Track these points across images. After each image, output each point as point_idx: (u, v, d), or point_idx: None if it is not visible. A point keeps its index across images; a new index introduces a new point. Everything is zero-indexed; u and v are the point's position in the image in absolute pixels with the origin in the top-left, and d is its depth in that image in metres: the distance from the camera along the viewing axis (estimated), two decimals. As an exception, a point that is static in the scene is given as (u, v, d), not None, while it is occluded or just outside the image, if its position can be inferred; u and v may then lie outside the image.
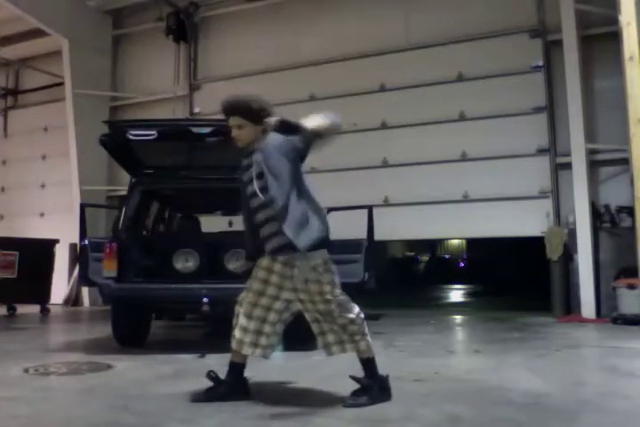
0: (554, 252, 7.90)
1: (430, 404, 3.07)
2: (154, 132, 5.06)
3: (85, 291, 10.57)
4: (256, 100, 3.14)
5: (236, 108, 3.14)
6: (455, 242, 26.71)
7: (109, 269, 5.02)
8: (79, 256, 5.46)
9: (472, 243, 24.47)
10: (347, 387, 3.15)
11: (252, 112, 3.11)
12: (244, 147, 3.19)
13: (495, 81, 8.70)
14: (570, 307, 7.80)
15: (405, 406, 3.01)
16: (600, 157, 8.02)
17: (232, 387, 3.15)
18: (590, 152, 7.90)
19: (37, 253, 8.94)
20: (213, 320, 7.21)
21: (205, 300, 4.82)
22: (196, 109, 10.87)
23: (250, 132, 3.13)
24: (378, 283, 6.65)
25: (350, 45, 9.67)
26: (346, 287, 3.17)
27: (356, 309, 3.11)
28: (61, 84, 11.39)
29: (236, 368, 3.18)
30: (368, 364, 3.11)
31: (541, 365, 4.40)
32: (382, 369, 3.16)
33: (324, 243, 3.02)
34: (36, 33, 11.34)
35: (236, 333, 3.09)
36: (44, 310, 8.95)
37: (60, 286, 10.30)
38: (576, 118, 7.73)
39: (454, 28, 9.03)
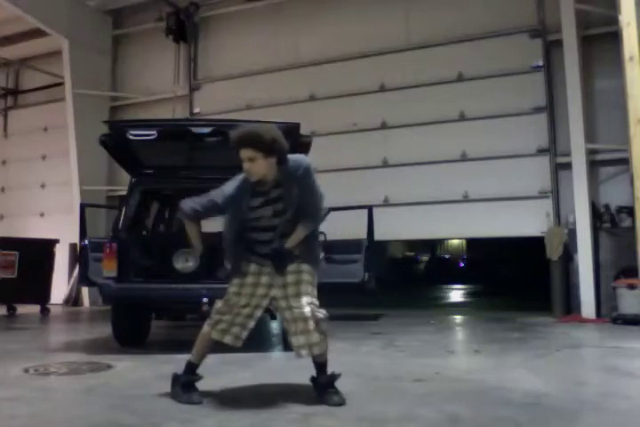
0: (554, 252, 7.90)
1: (430, 404, 3.07)
2: (154, 132, 5.05)
3: (85, 291, 10.57)
4: (269, 130, 2.99)
5: (246, 139, 2.96)
6: (455, 242, 26.72)
7: (109, 269, 5.02)
8: (79, 256, 5.46)
9: (472, 243, 24.49)
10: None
11: (265, 144, 2.94)
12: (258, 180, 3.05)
13: (495, 81, 8.70)
14: (570, 307, 7.80)
15: (405, 406, 3.01)
16: (600, 157, 8.02)
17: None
18: (590, 152, 7.90)
19: (37, 253, 8.95)
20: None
21: (205, 300, 4.82)
22: (196, 109, 10.88)
23: (262, 165, 2.97)
24: (378, 283, 6.66)
25: (350, 45, 9.67)
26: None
27: None
28: (61, 84, 11.40)
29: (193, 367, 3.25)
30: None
31: (541, 365, 4.40)
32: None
33: None
34: (35, 33, 11.35)
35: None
36: (44, 310, 8.94)
37: (60, 286, 10.31)
38: (576, 118, 7.72)
39: (454, 28, 9.03)
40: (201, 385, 3.19)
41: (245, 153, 2.96)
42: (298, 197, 3.07)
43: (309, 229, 3.16)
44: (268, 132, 2.98)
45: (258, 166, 2.97)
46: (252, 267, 3.18)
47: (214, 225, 7.93)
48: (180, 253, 5.61)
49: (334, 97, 9.64)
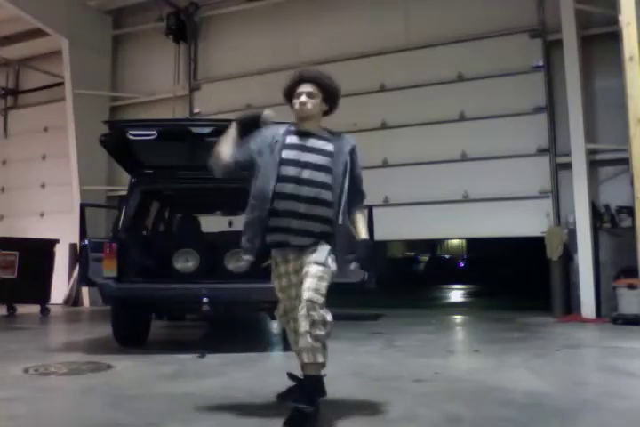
0: (554, 252, 7.90)
1: (430, 404, 3.07)
2: (154, 132, 5.06)
3: (85, 291, 10.57)
4: (335, 82, 3.05)
5: (317, 76, 3.02)
6: (455, 242, 26.70)
7: (109, 269, 5.02)
8: (79, 256, 5.46)
9: (472, 243, 24.46)
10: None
11: (330, 87, 3.00)
12: (304, 117, 3.03)
13: (495, 81, 8.69)
14: (570, 307, 7.80)
15: (405, 406, 3.01)
16: (600, 157, 8.02)
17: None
18: (590, 152, 7.89)
19: (37, 253, 8.93)
20: (213, 320, 7.22)
21: (205, 300, 4.82)
22: (196, 109, 10.87)
23: (316, 105, 3.00)
24: (378, 283, 6.66)
25: (350, 45, 9.66)
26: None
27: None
28: (61, 84, 11.39)
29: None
30: None
31: (541, 365, 4.40)
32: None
33: None
34: (36, 33, 11.34)
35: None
36: (44, 310, 8.93)
37: (60, 286, 10.30)
38: (576, 118, 7.73)
39: (454, 28, 9.02)
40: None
41: (307, 87, 3.00)
42: (348, 175, 3.04)
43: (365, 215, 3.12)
44: (335, 82, 3.03)
45: (313, 103, 2.99)
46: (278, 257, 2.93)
47: (214, 225, 7.95)
48: (180, 253, 5.62)
49: (334, 97, 9.63)
